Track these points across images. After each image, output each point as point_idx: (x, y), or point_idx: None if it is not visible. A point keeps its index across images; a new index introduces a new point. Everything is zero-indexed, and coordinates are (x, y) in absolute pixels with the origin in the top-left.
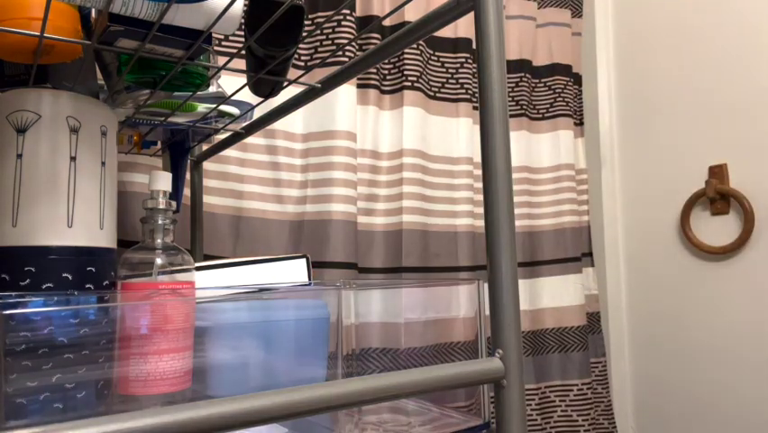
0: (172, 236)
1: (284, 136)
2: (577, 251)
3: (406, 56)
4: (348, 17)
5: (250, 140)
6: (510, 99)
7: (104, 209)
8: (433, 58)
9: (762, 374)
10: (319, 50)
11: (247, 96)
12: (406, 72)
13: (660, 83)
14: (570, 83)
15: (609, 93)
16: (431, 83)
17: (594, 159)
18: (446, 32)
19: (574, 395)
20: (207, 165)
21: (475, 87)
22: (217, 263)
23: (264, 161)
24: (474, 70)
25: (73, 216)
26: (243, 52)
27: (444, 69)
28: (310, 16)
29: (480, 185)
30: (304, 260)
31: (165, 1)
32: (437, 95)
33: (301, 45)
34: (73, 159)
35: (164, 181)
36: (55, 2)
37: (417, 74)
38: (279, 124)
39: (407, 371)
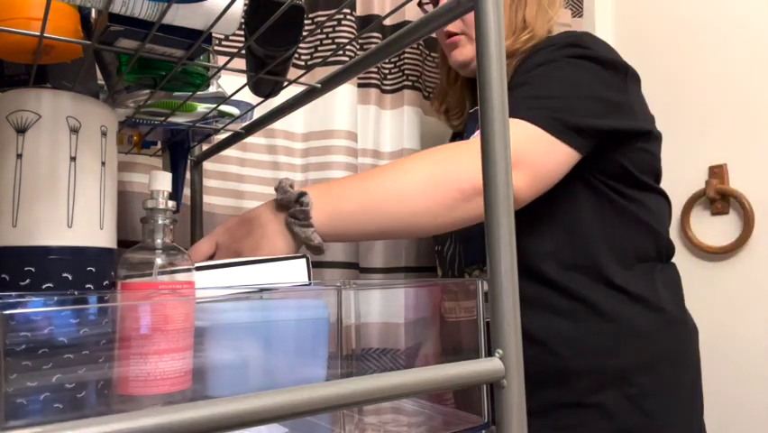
0: (172, 236)
1: (284, 136)
2: None
3: (406, 55)
4: (348, 16)
5: (250, 140)
6: None
7: (104, 209)
8: (429, 58)
9: (761, 374)
10: (319, 49)
11: (247, 96)
12: (406, 72)
13: (659, 83)
14: None
15: None
16: (426, 83)
17: None
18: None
19: None
20: (207, 165)
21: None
22: (217, 263)
23: (264, 161)
24: None
25: (73, 216)
26: (243, 52)
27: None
28: (310, 16)
29: None
30: (304, 260)
31: (165, 1)
32: (432, 95)
33: (301, 45)
34: (73, 159)
35: (164, 181)
36: (55, 2)
37: (417, 74)
38: (279, 124)
39: (407, 371)
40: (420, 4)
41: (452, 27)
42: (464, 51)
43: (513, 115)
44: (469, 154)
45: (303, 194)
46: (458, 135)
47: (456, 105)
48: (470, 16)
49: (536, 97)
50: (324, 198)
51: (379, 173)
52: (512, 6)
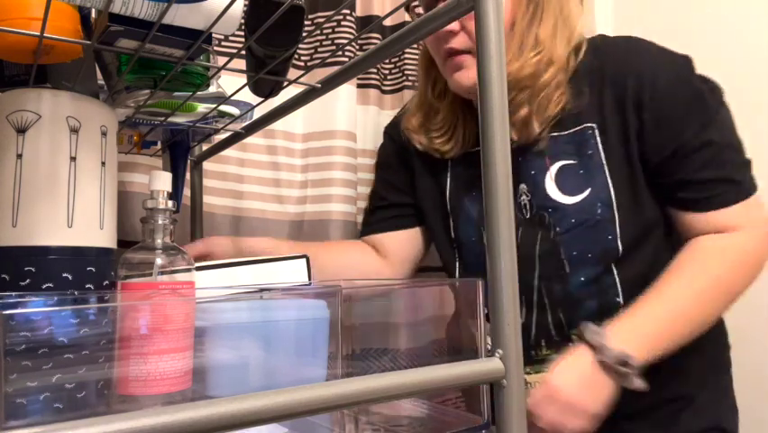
0: (172, 236)
1: (284, 136)
2: None
3: (406, 56)
4: (348, 17)
5: (249, 140)
6: None
7: (104, 209)
8: None
9: (761, 374)
10: (319, 50)
11: (247, 96)
12: (406, 72)
13: None
14: None
15: None
16: None
17: None
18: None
19: None
20: (207, 165)
21: None
22: (217, 263)
23: (264, 161)
24: None
25: (73, 216)
26: (243, 52)
27: None
28: (310, 16)
29: None
30: (304, 260)
31: (165, 1)
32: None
33: (301, 45)
34: (73, 159)
35: (164, 181)
36: (55, 2)
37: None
38: (279, 124)
39: (407, 371)
40: (408, 8)
41: (455, 43)
42: (471, 74)
43: (735, 193)
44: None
45: (626, 359)
46: (441, 163)
47: (443, 126)
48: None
49: (740, 164)
50: (640, 341)
51: (677, 290)
52: (523, 21)
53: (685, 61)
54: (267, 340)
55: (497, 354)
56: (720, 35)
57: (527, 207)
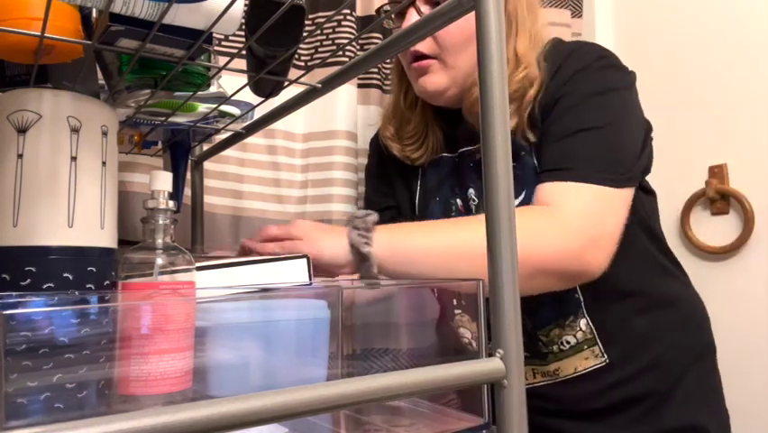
0: (173, 236)
1: (284, 136)
2: None
3: None
4: (348, 17)
5: (250, 140)
6: None
7: (104, 209)
8: None
9: (762, 374)
10: (319, 50)
11: (247, 96)
12: None
13: (659, 83)
14: None
15: None
16: None
17: None
18: None
19: None
20: (208, 165)
21: None
22: (217, 263)
23: (264, 161)
24: None
25: (73, 216)
26: (244, 52)
27: None
28: (310, 16)
29: None
30: (304, 260)
31: (165, 1)
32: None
33: (301, 45)
34: (74, 159)
35: (165, 181)
36: (55, 2)
37: None
38: (280, 124)
39: (407, 371)
40: (379, 12)
41: (422, 47)
42: (435, 79)
43: (574, 173)
44: (540, 230)
45: (371, 217)
46: (413, 170)
47: (414, 134)
48: (446, 38)
49: (597, 153)
50: (389, 231)
51: (449, 226)
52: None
53: (596, 53)
54: (267, 340)
55: (497, 354)
56: (720, 36)
57: (475, 212)
